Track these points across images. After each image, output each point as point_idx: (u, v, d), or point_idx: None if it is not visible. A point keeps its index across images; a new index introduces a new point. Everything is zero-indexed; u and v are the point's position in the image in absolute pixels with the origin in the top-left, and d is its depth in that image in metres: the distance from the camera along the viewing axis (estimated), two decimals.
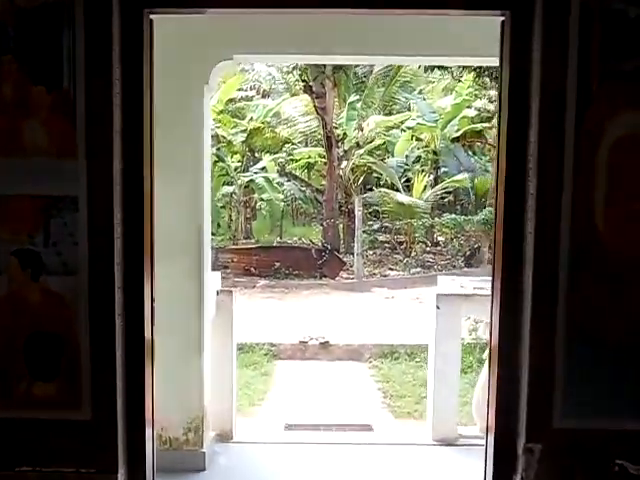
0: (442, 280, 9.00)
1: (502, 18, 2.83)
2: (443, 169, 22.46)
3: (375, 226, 24.86)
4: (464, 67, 17.44)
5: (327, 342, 8.79)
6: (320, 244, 17.24)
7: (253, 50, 4.01)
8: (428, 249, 18.34)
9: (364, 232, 16.55)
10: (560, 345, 2.76)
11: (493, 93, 22.78)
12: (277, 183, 18.04)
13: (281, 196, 19.45)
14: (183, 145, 4.09)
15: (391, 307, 12.76)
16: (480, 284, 8.95)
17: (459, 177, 19.29)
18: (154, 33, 2.83)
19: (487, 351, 3.37)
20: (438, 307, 4.92)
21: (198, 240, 4.26)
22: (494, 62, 3.00)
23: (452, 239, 17.35)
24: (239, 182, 18.22)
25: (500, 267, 2.83)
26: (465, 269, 16.81)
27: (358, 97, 19.45)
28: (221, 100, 15.86)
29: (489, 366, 2.99)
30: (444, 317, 4.92)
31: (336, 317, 11.54)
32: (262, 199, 18.84)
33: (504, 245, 2.80)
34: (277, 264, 14.86)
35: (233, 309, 4.95)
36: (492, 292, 3.03)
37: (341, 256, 16.57)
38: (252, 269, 14.96)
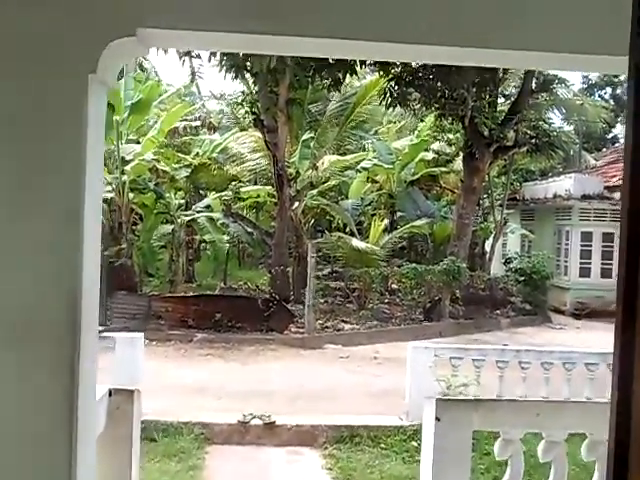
0: (414, 349, 7.58)
1: None
2: (399, 213, 21.35)
3: (326, 271, 23.41)
4: (426, 107, 16.40)
5: (273, 422, 7.17)
6: (268, 293, 15.67)
7: (170, 21, 2.49)
8: (385, 299, 16.94)
9: (315, 277, 15.04)
10: None
11: (452, 136, 21.98)
12: (221, 224, 16.43)
13: (226, 237, 17.86)
14: (49, 173, 2.51)
15: (346, 369, 11.19)
16: (458, 353, 7.56)
17: (418, 223, 18.09)
18: None
19: None
20: (438, 419, 3.37)
21: (72, 317, 2.63)
22: None
23: (411, 290, 15.97)
24: (179, 221, 16.55)
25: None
26: (426, 323, 15.45)
27: (312, 135, 18.22)
28: (162, 130, 14.29)
29: None
30: (446, 435, 3.36)
31: (284, 383, 9.92)
32: (204, 240, 17.19)
33: None
34: (218, 315, 13.16)
35: (135, 418, 3.31)
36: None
37: (290, 305, 15.00)
38: (189, 320, 13.23)
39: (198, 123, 17.17)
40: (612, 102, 36.90)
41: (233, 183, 17.41)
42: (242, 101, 16.47)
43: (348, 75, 13.82)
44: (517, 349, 7.40)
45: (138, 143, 15.67)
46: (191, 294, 15.32)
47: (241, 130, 20.64)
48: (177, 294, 15.24)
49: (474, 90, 14.90)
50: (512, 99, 17.27)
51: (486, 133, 15.87)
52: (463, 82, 14.34)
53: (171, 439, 6.77)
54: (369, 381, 10.18)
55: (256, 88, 15.11)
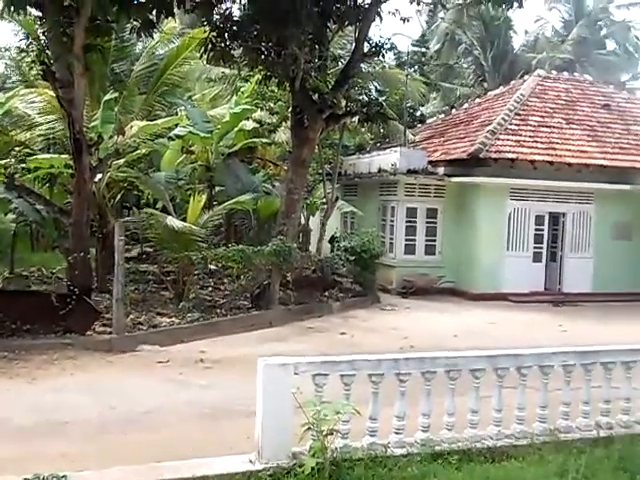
0: (267, 367, 5.67)
1: None
2: (219, 188, 19.27)
3: (134, 252, 20.70)
4: (252, 66, 14.49)
5: None
6: (65, 281, 12.92)
7: None
8: (207, 285, 14.88)
9: (123, 262, 12.48)
10: None
11: (273, 105, 20.26)
12: (1, 199, 13.26)
13: (11, 216, 14.71)
14: None
15: (168, 379, 9.05)
16: (324, 369, 5.85)
17: (243, 198, 16.17)
18: None
19: None
20: None
21: None
22: None
23: (238, 274, 14.09)
24: None
25: None
26: (254, 311, 13.66)
27: (116, 97, 15.49)
28: None
29: None
30: None
31: (85, 406, 7.60)
32: None
33: None
34: None
35: None
36: None
37: (94, 296, 12.43)
38: None
39: None
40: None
41: (17, 149, 14.22)
42: (27, 47, 13.30)
43: (163, 17, 11.48)
44: (395, 358, 5.87)
45: None
46: None
47: (28, 87, 17.27)
48: None
49: (307, 49, 13.21)
50: (343, 62, 15.85)
51: (316, 98, 14.34)
52: (294, 38, 12.60)
53: None
54: (199, 396, 8.17)
55: (45, 31, 12.13)
